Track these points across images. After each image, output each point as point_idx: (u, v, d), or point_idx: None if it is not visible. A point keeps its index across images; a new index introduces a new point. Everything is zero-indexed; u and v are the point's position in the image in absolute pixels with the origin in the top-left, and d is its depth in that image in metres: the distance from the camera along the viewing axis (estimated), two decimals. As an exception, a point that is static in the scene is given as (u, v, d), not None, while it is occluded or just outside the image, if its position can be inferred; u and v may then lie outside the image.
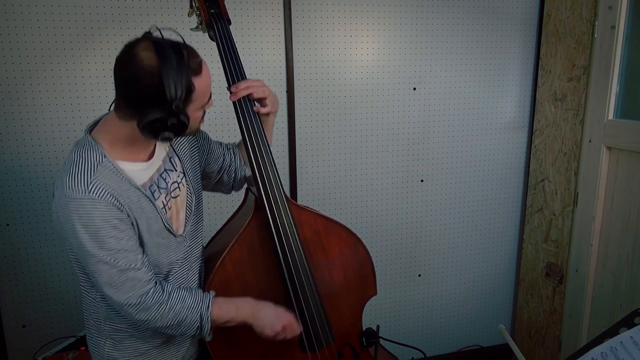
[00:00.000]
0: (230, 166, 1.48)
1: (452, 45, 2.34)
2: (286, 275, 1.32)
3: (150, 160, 1.20)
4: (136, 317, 1.14)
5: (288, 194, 2.26)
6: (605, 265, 2.09)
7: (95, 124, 1.18)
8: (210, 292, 1.24)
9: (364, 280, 1.50)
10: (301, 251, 1.33)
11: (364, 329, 1.51)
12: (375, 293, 1.52)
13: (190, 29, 1.39)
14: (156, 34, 1.07)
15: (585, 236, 2.15)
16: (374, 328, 1.50)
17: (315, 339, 1.35)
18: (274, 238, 1.30)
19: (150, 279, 1.15)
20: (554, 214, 2.34)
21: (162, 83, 1.01)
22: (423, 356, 1.41)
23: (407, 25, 2.27)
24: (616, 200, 2.02)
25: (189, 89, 1.06)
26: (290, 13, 2.11)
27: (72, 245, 1.11)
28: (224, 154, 1.46)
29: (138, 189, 1.14)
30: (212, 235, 1.53)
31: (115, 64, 1.07)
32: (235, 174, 1.49)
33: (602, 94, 2.03)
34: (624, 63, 1.99)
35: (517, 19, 2.39)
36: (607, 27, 1.99)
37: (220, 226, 1.53)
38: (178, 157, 1.30)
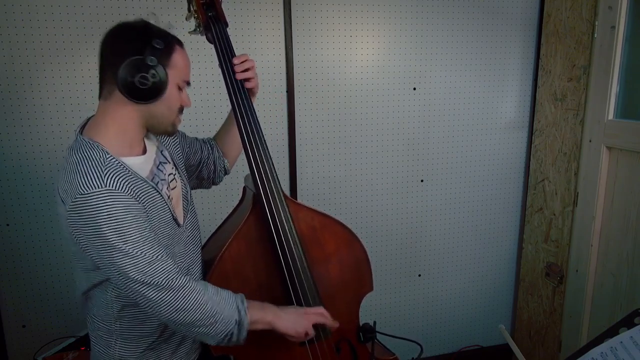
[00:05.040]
0: (208, 158, 1.49)
1: (452, 45, 2.34)
2: (284, 269, 1.32)
3: (146, 154, 1.22)
4: (176, 305, 1.09)
5: (288, 193, 2.26)
6: (605, 265, 2.09)
7: (83, 125, 1.19)
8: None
9: (360, 276, 1.51)
10: (299, 246, 1.34)
11: (361, 325, 1.52)
12: (371, 289, 1.53)
13: (189, 32, 1.40)
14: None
15: (585, 236, 2.15)
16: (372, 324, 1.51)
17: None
18: (272, 233, 1.31)
19: (180, 270, 1.13)
20: (554, 214, 2.34)
21: (146, 26, 1.13)
22: (420, 350, 1.41)
23: (407, 25, 2.27)
24: (616, 200, 2.02)
25: (170, 48, 1.13)
26: (290, 13, 2.11)
27: (93, 248, 1.06)
28: (201, 147, 1.48)
29: (145, 181, 1.15)
30: (210, 233, 1.53)
31: (103, 41, 1.15)
32: (215, 166, 1.51)
33: (602, 94, 2.03)
34: (624, 63, 1.99)
35: (517, 19, 2.39)
36: (607, 27, 1.99)
37: (219, 224, 1.53)
38: (167, 150, 1.32)
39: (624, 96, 2.02)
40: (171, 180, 1.26)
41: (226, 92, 1.34)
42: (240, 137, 1.33)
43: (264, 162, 1.32)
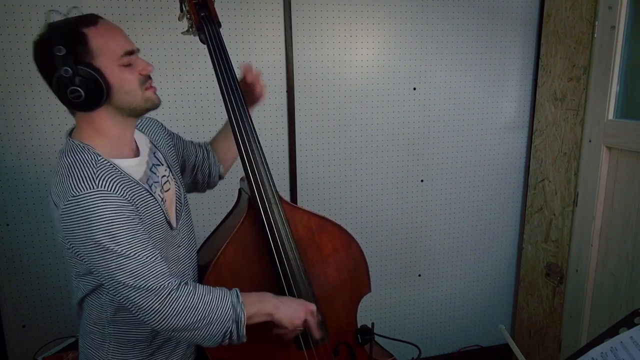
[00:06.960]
0: (203, 163, 1.48)
1: (452, 45, 2.34)
2: (280, 274, 1.31)
3: (139, 157, 1.20)
4: (165, 311, 1.05)
5: (288, 194, 2.26)
6: (605, 265, 2.09)
7: (72, 129, 1.17)
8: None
9: (358, 278, 1.50)
10: (295, 250, 1.33)
11: (359, 327, 1.52)
12: (369, 291, 1.52)
13: (181, 33, 1.39)
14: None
15: (585, 236, 2.15)
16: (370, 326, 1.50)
17: (311, 336, 1.35)
18: (267, 237, 1.30)
19: (172, 273, 1.11)
20: (554, 214, 2.34)
21: (42, 38, 1.07)
22: (418, 352, 1.41)
23: (407, 25, 2.27)
24: (616, 200, 2.02)
25: (79, 39, 1.05)
26: (290, 13, 2.11)
27: (85, 251, 1.04)
28: (196, 151, 1.47)
29: (138, 183, 1.13)
30: (206, 237, 1.52)
31: None
32: (210, 171, 1.49)
33: (602, 94, 2.03)
34: (624, 63, 1.99)
35: (517, 19, 2.39)
36: (607, 27, 1.99)
37: (214, 227, 1.52)
38: (160, 152, 1.29)
39: (624, 96, 2.01)
40: (165, 183, 1.24)
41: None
42: (235, 139, 1.31)
43: (258, 165, 1.30)
